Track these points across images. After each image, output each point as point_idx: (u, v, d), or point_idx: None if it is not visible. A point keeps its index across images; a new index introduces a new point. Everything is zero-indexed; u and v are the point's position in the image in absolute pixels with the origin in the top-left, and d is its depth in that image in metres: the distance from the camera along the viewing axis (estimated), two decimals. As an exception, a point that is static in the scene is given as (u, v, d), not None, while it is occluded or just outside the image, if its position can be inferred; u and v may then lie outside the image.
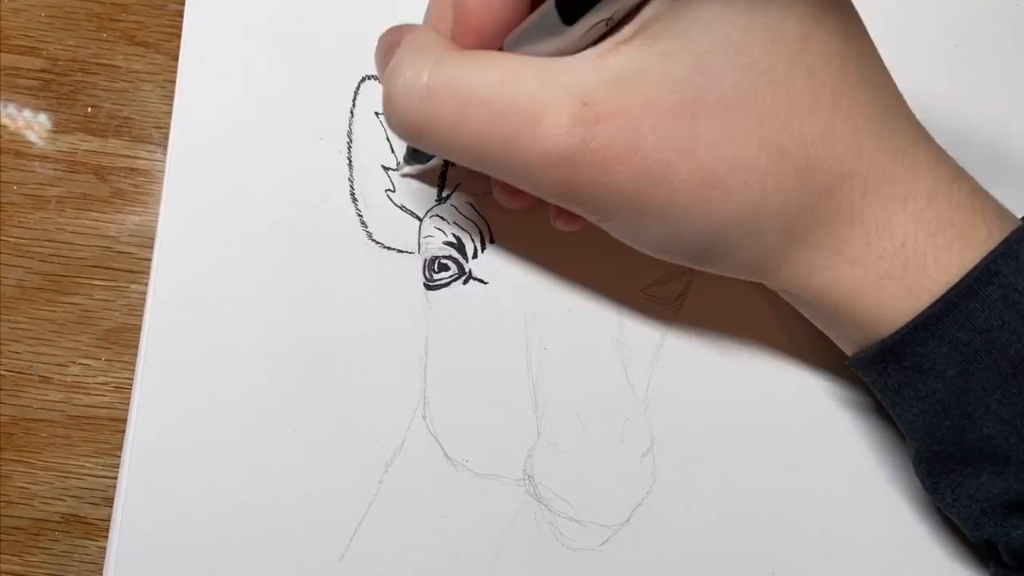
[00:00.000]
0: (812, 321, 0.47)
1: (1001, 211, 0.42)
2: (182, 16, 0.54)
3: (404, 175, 0.53)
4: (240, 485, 0.50)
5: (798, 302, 0.46)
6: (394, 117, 0.41)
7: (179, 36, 0.54)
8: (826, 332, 0.47)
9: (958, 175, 0.42)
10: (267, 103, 0.53)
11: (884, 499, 0.51)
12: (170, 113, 0.53)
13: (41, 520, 0.52)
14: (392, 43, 0.44)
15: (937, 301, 0.40)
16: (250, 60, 0.54)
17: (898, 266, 0.40)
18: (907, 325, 0.41)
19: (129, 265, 0.54)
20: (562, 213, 0.48)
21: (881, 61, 0.43)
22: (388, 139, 0.53)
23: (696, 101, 0.38)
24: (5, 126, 0.55)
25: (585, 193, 0.40)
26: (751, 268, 0.43)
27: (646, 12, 0.37)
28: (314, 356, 0.51)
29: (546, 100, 0.38)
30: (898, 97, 0.43)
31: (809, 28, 0.39)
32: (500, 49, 0.41)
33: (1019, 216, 0.43)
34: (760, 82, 0.38)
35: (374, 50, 0.46)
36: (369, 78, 0.54)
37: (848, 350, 0.47)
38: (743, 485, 0.51)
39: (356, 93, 0.53)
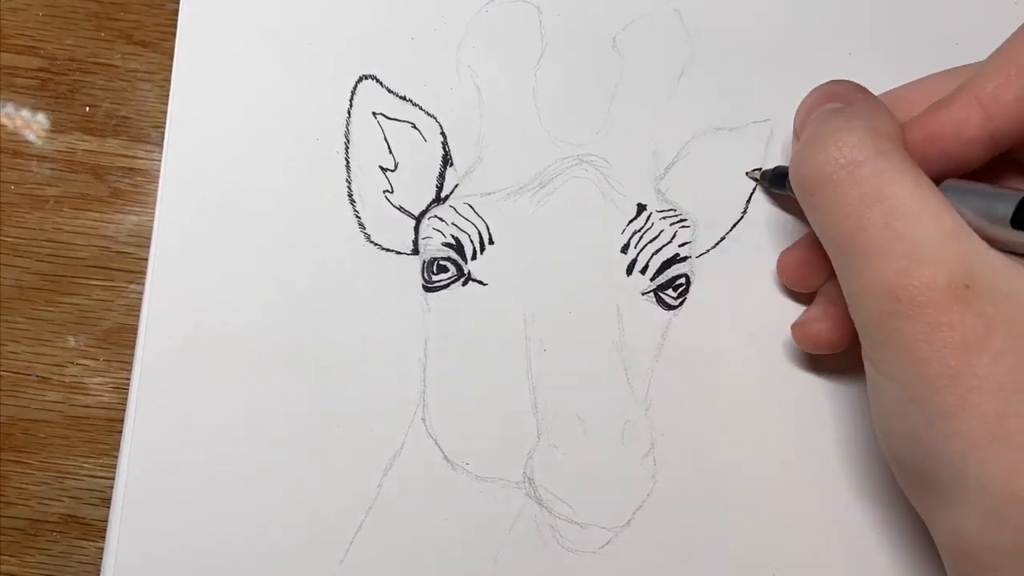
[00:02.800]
0: None
1: None
2: (181, 15, 0.54)
3: (750, 176, 0.54)
4: (238, 486, 0.50)
5: None
6: (809, 163, 0.42)
7: (176, 35, 0.54)
8: None
9: None
10: (263, 103, 0.53)
11: (887, 499, 0.50)
12: (167, 112, 0.53)
13: (39, 520, 0.52)
14: (837, 93, 0.45)
15: None
16: (246, 60, 0.53)
17: None
18: None
19: (127, 265, 0.54)
20: (817, 332, 0.49)
21: None
22: (386, 139, 0.53)
23: None
24: (3, 125, 0.55)
25: (894, 339, 0.39)
26: (960, 543, 0.40)
27: None
28: (312, 357, 0.51)
29: (940, 250, 0.38)
30: None
31: None
32: (936, 181, 0.41)
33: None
34: None
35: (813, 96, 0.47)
36: (366, 78, 0.53)
37: None
38: (744, 486, 0.51)
39: (353, 93, 0.53)
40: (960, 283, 0.37)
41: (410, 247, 0.52)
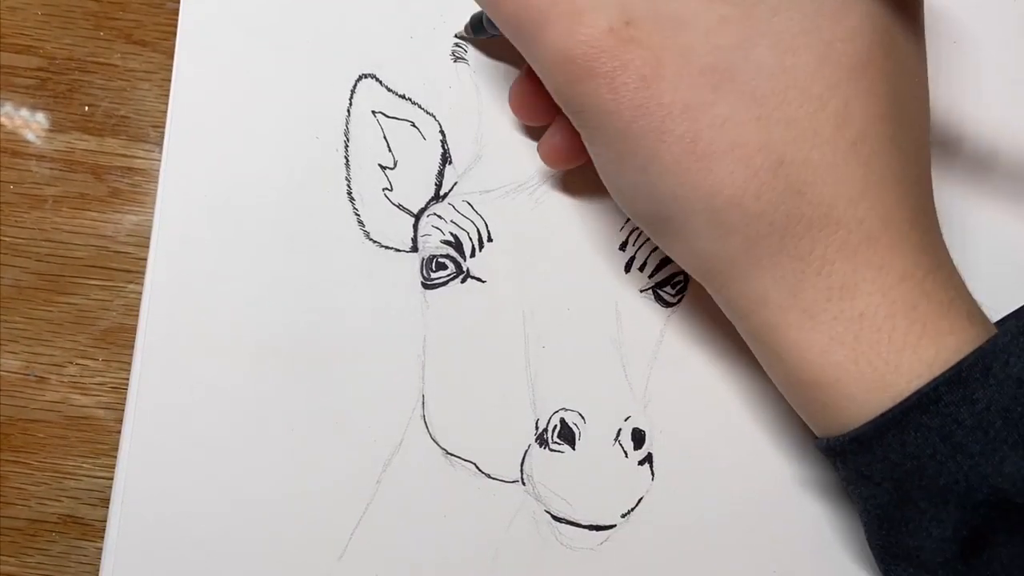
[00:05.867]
0: (752, 348, 0.45)
1: (973, 314, 0.40)
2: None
3: (458, 36, 0.54)
4: (237, 485, 0.50)
5: (740, 326, 0.45)
6: None
7: (176, 34, 0.54)
8: (767, 370, 0.45)
9: (944, 265, 0.41)
10: (263, 102, 0.53)
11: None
12: (167, 112, 0.53)
13: (38, 521, 0.52)
14: None
15: (874, 419, 0.39)
16: (245, 58, 0.54)
17: (850, 335, 0.39)
18: (845, 436, 0.40)
19: (126, 265, 0.54)
20: (555, 144, 0.49)
21: (925, 138, 0.43)
22: (385, 138, 0.53)
23: (726, 74, 0.38)
24: (2, 125, 0.55)
25: (585, 101, 0.40)
26: (702, 265, 0.43)
27: None
28: (311, 356, 0.51)
29: (597, 1, 0.38)
30: (923, 176, 0.42)
31: (870, 58, 0.39)
32: None
33: (994, 321, 0.42)
34: (794, 89, 0.38)
35: None
36: (365, 77, 0.53)
37: (785, 392, 0.45)
38: (742, 483, 0.51)
39: (353, 91, 0.53)
40: (621, 21, 0.38)
41: (409, 245, 0.52)
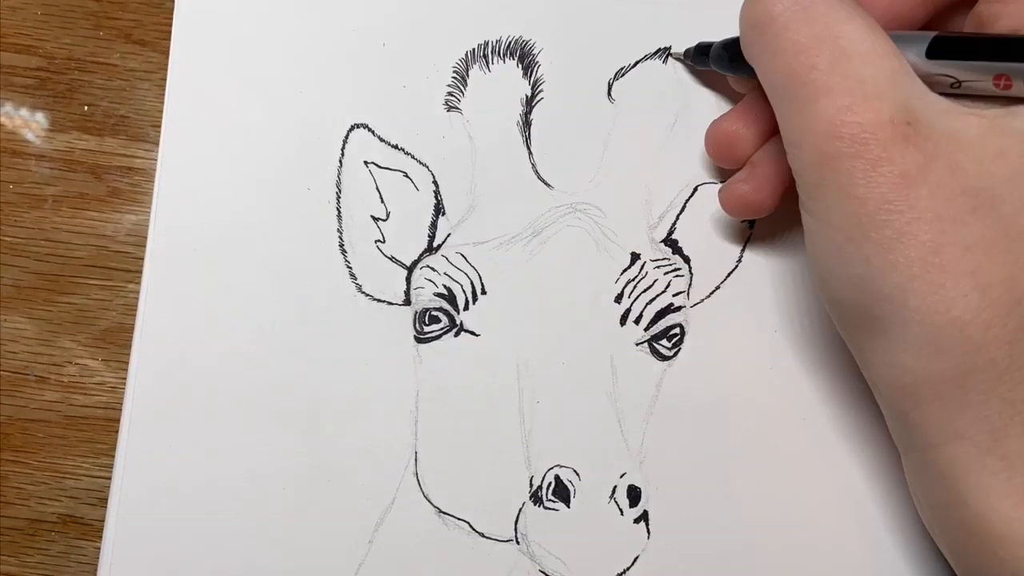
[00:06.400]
0: (917, 480, 0.43)
1: None
2: (180, 15, 0.54)
3: (675, 57, 0.53)
4: (227, 547, 0.50)
5: (917, 455, 0.42)
6: (760, 1, 0.42)
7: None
8: (930, 505, 0.43)
9: None
10: (254, 153, 0.52)
11: (892, 550, 0.50)
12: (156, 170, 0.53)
13: (37, 521, 0.53)
14: None
15: None
16: (237, 111, 0.53)
17: None
18: None
19: (126, 264, 0.54)
20: (743, 194, 0.49)
21: None
22: (377, 189, 0.52)
23: (989, 201, 0.38)
24: (2, 125, 0.54)
25: (834, 179, 0.39)
26: (898, 380, 0.40)
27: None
28: (302, 410, 0.51)
29: (885, 89, 0.39)
30: None
31: None
32: None
33: None
34: None
35: None
36: (358, 127, 0.53)
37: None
38: (741, 541, 0.51)
39: (345, 142, 0.52)
40: (902, 119, 0.38)
41: (402, 298, 0.51)
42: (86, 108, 0.55)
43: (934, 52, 0.41)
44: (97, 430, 0.53)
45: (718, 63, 0.50)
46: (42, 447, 0.53)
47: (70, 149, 0.55)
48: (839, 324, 0.44)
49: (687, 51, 0.53)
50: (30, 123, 0.54)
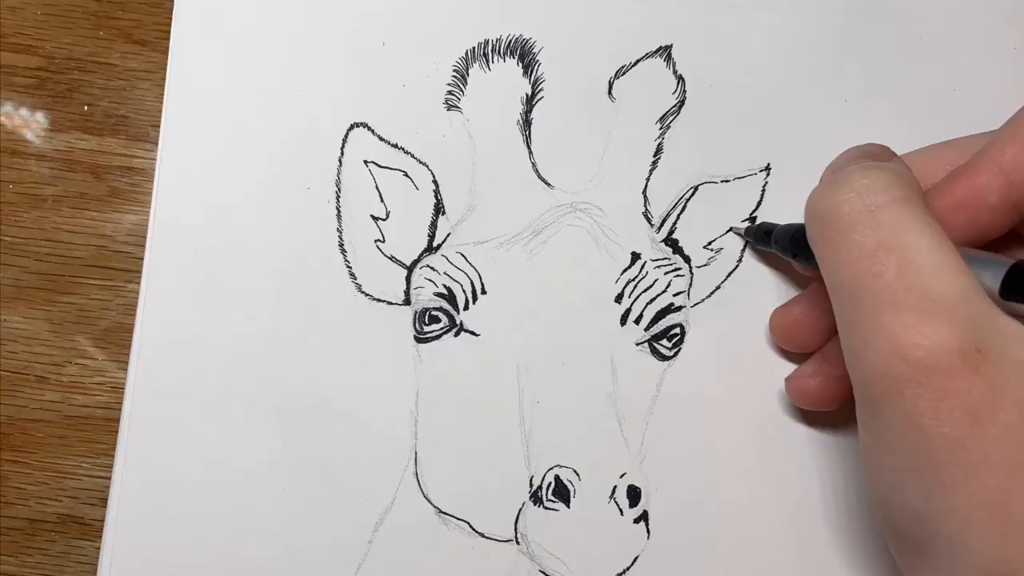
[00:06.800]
0: None
1: None
2: (179, 14, 0.54)
3: (735, 232, 0.53)
4: (226, 548, 0.50)
5: None
6: (829, 198, 0.40)
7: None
8: None
9: None
10: (254, 153, 0.52)
11: (883, 554, 0.50)
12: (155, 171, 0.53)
13: (37, 520, 0.52)
14: (869, 152, 0.44)
15: None
16: (237, 111, 0.53)
17: None
18: None
19: (126, 264, 0.54)
20: (809, 388, 0.49)
21: None
22: (377, 188, 0.52)
23: None
24: (2, 124, 0.54)
25: (895, 404, 0.37)
26: None
27: None
28: (302, 412, 0.51)
29: (955, 308, 0.36)
30: None
31: None
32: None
33: None
34: None
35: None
36: (357, 126, 0.53)
37: None
38: (739, 540, 0.51)
39: (344, 141, 0.52)
40: (971, 347, 0.36)
41: (402, 297, 0.51)
42: (86, 108, 0.55)
43: (1010, 284, 0.38)
44: (97, 430, 0.53)
45: (781, 249, 0.49)
46: (42, 447, 0.53)
47: (70, 149, 0.54)
48: (891, 544, 0.42)
49: (748, 229, 0.52)
50: (30, 123, 0.54)
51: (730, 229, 0.52)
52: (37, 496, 0.53)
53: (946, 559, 0.37)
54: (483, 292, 0.51)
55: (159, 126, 0.53)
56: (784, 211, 0.50)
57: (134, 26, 0.55)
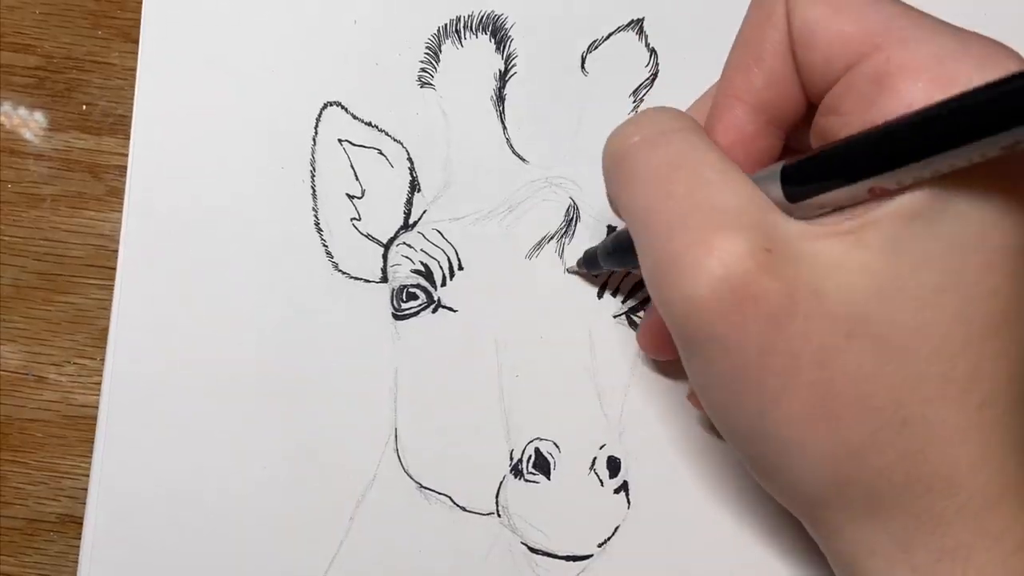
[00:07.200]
0: None
1: None
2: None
3: (569, 271, 0.53)
4: (207, 527, 0.50)
5: (842, 572, 0.41)
6: (619, 136, 0.41)
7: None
8: None
9: None
10: (227, 133, 0.52)
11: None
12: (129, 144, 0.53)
13: (36, 520, 0.53)
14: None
15: None
16: (208, 89, 0.53)
17: None
18: None
19: (125, 264, 0.54)
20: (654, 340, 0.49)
21: None
22: (352, 166, 0.52)
23: (860, 322, 0.35)
24: (0, 124, 0.55)
25: (709, 329, 0.36)
26: (813, 513, 0.40)
27: (882, 218, 0.35)
28: (281, 390, 0.51)
29: (742, 220, 0.36)
30: None
31: (1005, 319, 0.36)
32: None
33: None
34: (927, 347, 0.35)
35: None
36: (331, 105, 0.53)
37: None
38: (720, 510, 0.51)
39: (318, 120, 0.53)
40: (760, 247, 0.35)
41: (379, 275, 0.52)
42: (84, 107, 0.55)
43: (790, 185, 0.37)
44: (95, 429, 0.53)
45: (611, 260, 0.49)
46: (41, 447, 0.53)
47: (68, 148, 0.55)
48: (752, 468, 0.41)
49: (578, 262, 0.52)
50: (28, 122, 0.55)
51: (566, 270, 0.53)
52: (36, 496, 0.53)
53: (794, 467, 0.38)
54: (460, 268, 0.51)
55: (158, 126, 0.54)
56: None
57: (133, 26, 0.55)
